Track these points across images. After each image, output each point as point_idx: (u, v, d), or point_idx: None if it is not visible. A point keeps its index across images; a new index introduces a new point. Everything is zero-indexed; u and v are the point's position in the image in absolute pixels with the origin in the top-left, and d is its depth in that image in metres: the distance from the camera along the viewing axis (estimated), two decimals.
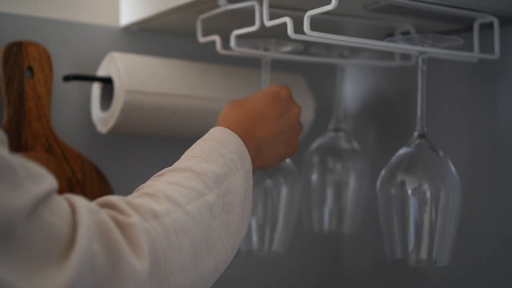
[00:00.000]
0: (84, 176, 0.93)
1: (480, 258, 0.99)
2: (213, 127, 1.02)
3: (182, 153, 1.10)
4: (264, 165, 0.83)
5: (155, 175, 0.69)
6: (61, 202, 0.53)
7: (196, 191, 0.66)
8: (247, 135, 0.78)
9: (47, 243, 0.50)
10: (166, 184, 0.65)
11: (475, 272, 1.00)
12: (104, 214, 0.56)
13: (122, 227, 0.56)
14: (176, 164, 0.70)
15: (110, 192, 0.96)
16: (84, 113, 1.00)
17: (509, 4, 0.87)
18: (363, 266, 1.18)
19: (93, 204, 0.57)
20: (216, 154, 0.72)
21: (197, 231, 0.63)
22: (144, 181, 1.04)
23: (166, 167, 1.08)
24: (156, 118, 0.96)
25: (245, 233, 0.74)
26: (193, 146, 0.75)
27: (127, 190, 1.02)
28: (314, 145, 1.05)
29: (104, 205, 0.59)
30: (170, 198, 0.63)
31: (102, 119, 0.96)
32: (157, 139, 1.05)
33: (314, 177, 1.03)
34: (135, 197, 0.62)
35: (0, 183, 0.48)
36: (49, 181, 0.53)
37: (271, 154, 0.83)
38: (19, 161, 0.51)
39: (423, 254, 0.81)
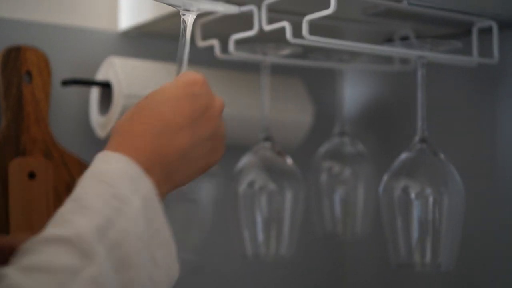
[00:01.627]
0: None
1: (482, 262, 0.99)
2: None
3: None
4: (179, 185, 0.63)
5: (19, 249, 0.52)
6: None
7: (67, 271, 0.49)
8: (147, 157, 0.58)
9: None
10: (24, 275, 0.48)
11: (477, 276, 0.99)
12: None
13: None
14: (44, 231, 0.53)
15: None
16: (82, 117, 1.00)
17: (508, 9, 0.87)
18: (366, 270, 1.18)
19: None
20: (90, 197, 0.54)
21: None
22: None
23: None
24: None
25: (175, 270, 0.58)
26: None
27: None
28: (321, 150, 1.05)
29: None
30: None
31: (101, 124, 0.96)
32: None
33: (322, 182, 1.03)
34: None
35: None
36: None
37: (188, 171, 0.62)
38: None
39: (427, 258, 0.81)
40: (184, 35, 0.68)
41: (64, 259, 0.49)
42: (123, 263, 0.52)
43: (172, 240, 0.58)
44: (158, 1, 0.68)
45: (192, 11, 0.68)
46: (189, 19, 0.68)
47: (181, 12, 0.68)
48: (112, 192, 0.54)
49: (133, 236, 0.53)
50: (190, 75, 0.65)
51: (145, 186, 0.56)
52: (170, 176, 0.60)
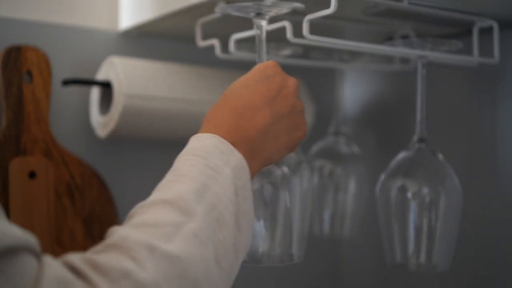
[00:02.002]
0: (83, 180, 0.93)
1: (479, 263, 0.98)
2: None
3: None
4: (269, 161, 0.70)
5: (128, 214, 0.59)
6: (25, 267, 0.47)
7: (171, 225, 0.55)
8: (231, 135, 0.65)
9: None
10: (133, 229, 0.55)
11: (474, 277, 0.99)
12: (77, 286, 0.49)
13: None
14: (149, 198, 0.60)
15: (109, 197, 0.96)
16: (83, 117, 1.00)
17: (508, 8, 0.87)
18: (363, 270, 1.18)
19: (67, 274, 0.49)
20: (186, 167, 0.61)
21: (186, 272, 0.54)
22: (143, 185, 1.04)
23: (165, 171, 1.08)
24: (155, 122, 0.96)
25: (250, 240, 0.64)
26: None
27: (126, 194, 1.02)
28: (315, 149, 1.04)
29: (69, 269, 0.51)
30: (142, 245, 0.53)
31: (101, 123, 0.96)
32: (156, 143, 1.05)
33: (315, 181, 1.03)
34: (100, 253, 0.53)
35: None
36: (13, 239, 0.46)
37: (274, 147, 0.69)
38: None
39: (423, 259, 0.81)
40: (260, 39, 0.75)
41: (168, 216, 0.56)
42: (218, 223, 0.59)
43: (253, 211, 0.64)
44: (229, 12, 0.74)
45: (264, 16, 0.74)
46: (263, 24, 0.75)
47: (254, 19, 0.75)
48: (205, 162, 0.61)
49: (226, 200, 0.60)
50: (263, 63, 0.72)
51: (235, 158, 0.64)
52: (257, 152, 0.67)
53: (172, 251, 0.53)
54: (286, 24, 0.80)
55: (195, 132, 1.00)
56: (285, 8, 0.73)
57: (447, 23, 0.93)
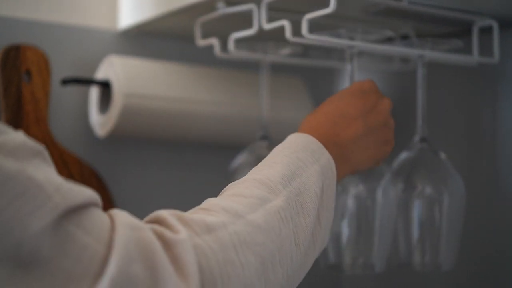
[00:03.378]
0: (83, 180, 0.93)
1: (482, 262, 0.98)
2: (212, 130, 1.02)
3: (180, 157, 1.10)
4: (356, 169, 0.75)
5: (224, 189, 0.64)
6: (99, 219, 0.49)
7: (258, 198, 0.60)
8: (325, 138, 0.71)
9: (77, 267, 0.46)
10: (223, 197, 0.60)
11: (477, 276, 0.99)
12: (148, 231, 0.50)
13: (168, 245, 0.50)
14: (241, 178, 0.65)
15: (108, 196, 0.96)
16: (82, 116, 1.00)
17: (508, 7, 0.87)
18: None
19: (137, 220, 0.51)
20: (279, 157, 0.67)
21: (265, 241, 0.57)
22: (142, 184, 1.04)
23: (165, 170, 1.08)
24: (154, 122, 0.95)
25: (327, 238, 0.68)
26: None
27: (125, 194, 1.02)
28: None
29: (154, 221, 0.54)
30: (228, 210, 0.57)
31: (101, 123, 0.96)
32: (156, 143, 1.05)
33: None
34: (189, 213, 0.57)
35: (20, 200, 0.45)
36: (83, 196, 0.48)
37: (362, 157, 0.75)
38: (47, 176, 0.47)
39: (428, 258, 0.81)
40: (352, 64, 0.83)
41: (255, 190, 0.61)
42: (301, 209, 0.63)
43: (333, 212, 0.68)
44: (323, 39, 0.79)
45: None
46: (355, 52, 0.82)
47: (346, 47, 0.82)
48: (297, 156, 0.67)
49: (312, 192, 0.65)
50: (360, 80, 0.79)
51: (324, 158, 0.69)
52: (346, 158, 0.72)
53: (255, 220, 0.57)
54: (285, 23, 0.80)
55: (194, 131, 1.00)
56: (377, 35, 0.79)
57: (447, 23, 0.93)
